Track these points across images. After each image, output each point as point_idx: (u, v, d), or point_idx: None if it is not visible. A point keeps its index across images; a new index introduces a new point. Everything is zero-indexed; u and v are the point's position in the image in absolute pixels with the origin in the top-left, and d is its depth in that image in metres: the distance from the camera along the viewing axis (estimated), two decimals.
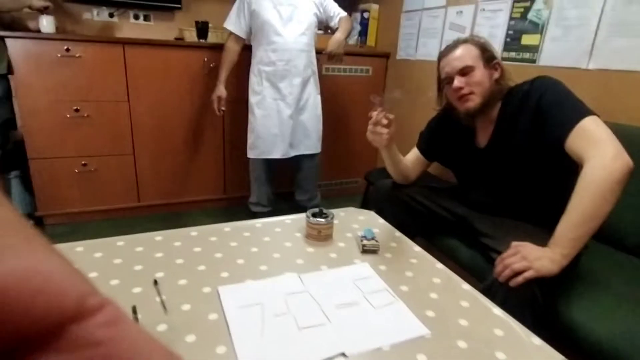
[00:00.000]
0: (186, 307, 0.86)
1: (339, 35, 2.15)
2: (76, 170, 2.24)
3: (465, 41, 1.30)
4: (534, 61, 1.84)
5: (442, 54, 1.33)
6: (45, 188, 2.21)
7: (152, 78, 2.27)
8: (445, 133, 1.46)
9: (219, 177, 2.61)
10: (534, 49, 1.83)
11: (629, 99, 1.51)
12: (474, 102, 1.26)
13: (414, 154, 1.54)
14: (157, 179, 2.45)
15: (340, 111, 2.82)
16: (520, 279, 1.00)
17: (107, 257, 1.04)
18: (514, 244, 1.07)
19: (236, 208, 2.71)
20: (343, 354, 0.74)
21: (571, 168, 1.10)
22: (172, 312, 0.84)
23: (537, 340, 0.82)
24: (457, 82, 1.26)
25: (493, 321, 0.87)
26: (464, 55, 1.27)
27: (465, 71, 1.26)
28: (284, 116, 2.14)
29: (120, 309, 0.24)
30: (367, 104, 2.72)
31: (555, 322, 1.08)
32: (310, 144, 2.28)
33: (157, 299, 0.89)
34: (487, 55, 1.27)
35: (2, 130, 1.94)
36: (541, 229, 1.15)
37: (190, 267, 1.02)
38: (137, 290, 0.92)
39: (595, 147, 1.02)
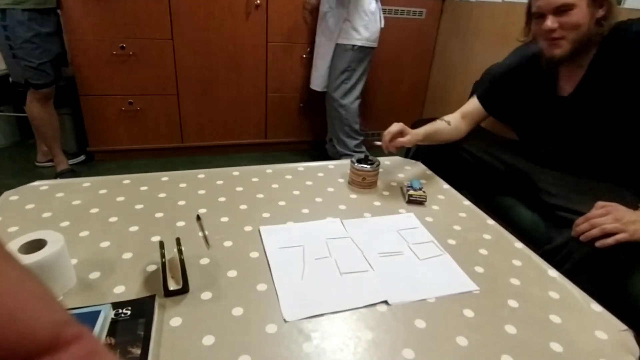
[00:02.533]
0: (228, 243, 0.86)
1: None
2: (123, 109, 2.28)
3: None
4: (619, 2, 1.58)
5: None
6: (94, 125, 2.28)
7: (196, 16, 2.21)
8: (515, 81, 1.28)
9: (261, 121, 2.58)
10: None
11: None
12: (561, 48, 1.07)
13: (471, 106, 1.37)
14: (200, 121, 2.46)
15: (386, 57, 2.65)
16: (611, 240, 0.89)
17: (152, 191, 1.05)
18: (601, 203, 0.95)
19: (276, 153, 2.71)
20: (385, 302, 0.72)
21: None
22: (215, 248, 0.84)
23: (597, 307, 0.75)
24: (550, 22, 1.05)
25: (548, 283, 0.81)
26: None
27: (562, 9, 1.04)
28: None
29: (98, 341, 0.23)
30: (418, 52, 2.54)
31: (623, 294, 0.99)
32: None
33: (200, 233, 0.89)
34: None
35: (54, 66, 1.98)
36: (627, 190, 1.04)
37: (231, 206, 1.01)
38: (180, 224, 0.92)
39: None
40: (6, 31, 1.81)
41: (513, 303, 0.74)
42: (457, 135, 1.35)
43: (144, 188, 1.07)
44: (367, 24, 2.14)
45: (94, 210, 0.96)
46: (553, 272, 0.84)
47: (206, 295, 0.71)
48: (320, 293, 0.73)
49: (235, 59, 2.36)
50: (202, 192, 1.07)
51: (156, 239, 0.86)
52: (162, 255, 0.69)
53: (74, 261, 0.77)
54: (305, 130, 2.72)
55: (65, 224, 0.90)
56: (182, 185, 1.10)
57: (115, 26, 2.11)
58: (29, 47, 1.86)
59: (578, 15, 1.03)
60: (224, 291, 0.72)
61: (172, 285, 0.69)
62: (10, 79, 1.99)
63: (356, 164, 1.14)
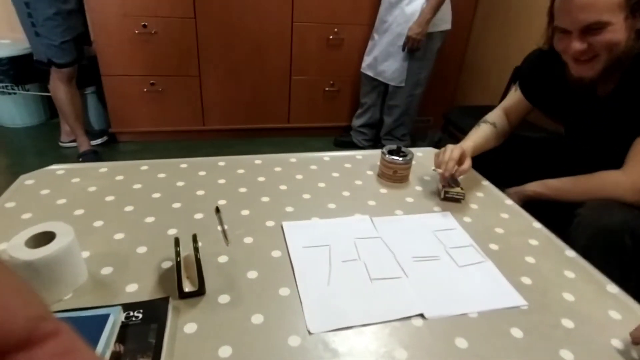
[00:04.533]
0: (248, 239, 0.80)
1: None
2: (145, 90, 2.24)
3: None
4: None
5: None
6: (117, 105, 2.26)
7: None
8: (556, 72, 1.08)
9: (284, 105, 2.50)
10: None
11: None
12: (593, 70, 0.89)
13: (513, 99, 1.22)
14: (222, 104, 2.40)
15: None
16: None
17: (170, 178, 1.00)
18: None
19: (299, 138, 2.63)
20: (422, 315, 0.64)
21: None
22: (234, 244, 0.78)
23: None
24: (578, 43, 0.86)
25: (608, 300, 0.71)
26: (599, 2, 0.82)
27: (593, 27, 0.84)
28: None
29: (76, 336, 0.22)
30: (452, 30, 2.37)
31: None
32: None
33: (219, 227, 0.83)
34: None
35: (76, 45, 1.95)
36: None
37: (253, 198, 0.94)
38: (198, 216, 0.87)
39: None
40: (28, 8, 1.78)
41: (568, 323, 0.65)
42: (504, 138, 1.20)
43: (162, 175, 1.02)
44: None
45: (109, 198, 0.91)
46: (612, 288, 0.74)
47: (224, 299, 0.65)
48: (349, 302, 0.66)
49: (259, 39, 2.27)
50: (222, 181, 1.01)
51: (173, 232, 0.80)
52: (177, 254, 0.63)
53: (86, 254, 0.73)
54: (330, 116, 2.62)
55: (79, 212, 0.85)
56: (202, 173, 1.04)
57: (137, 3, 2.05)
58: (51, 24, 1.82)
59: (613, 34, 0.84)
60: (243, 295, 0.66)
61: (188, 287, 0.63)
62: (34, 58, 1.97)
63: (387, 156, 1.05)
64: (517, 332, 0.63)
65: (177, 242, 0.65)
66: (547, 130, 1.46)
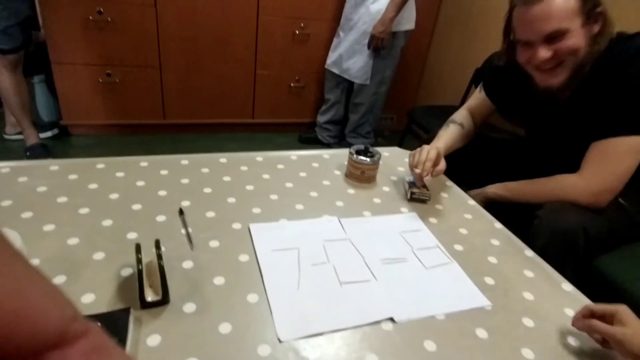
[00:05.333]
0: (214, 243, 0.77)
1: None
2: (100, 80, 2.11)
3: None
4: None
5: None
6: (69, 96, 2.11)
7: None
8: (518, 75, 1.10)
9: (248, 100, 2.45)
10: None
11: None
12: (559, 78, 0.93)
13: (478, 100, 1.25)
14: (184, 97, 2.31)
15: None
16: None
17: (129, 178, 0.94)
18: None
19: (264, 134, 2.59)
20: (391, 319, 0.64)
21: None
22: (199, 248, 0.75)
23: None
24: (543, 52, 0.90)
25: (563, 298, 0.75)
26: (556, 11, 0.86)
27: (554, 35, 0.89)
28: None
29: (105, 336, 0.23)
30: (415, 33, 2.40)
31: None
32: None
33: (183, 231, 0.80)
34: (589, 4, 0.87)
35: (23, 29, 1.80)
36: None
37: (218, 198, 0.91)
38: (160, 218, 0.82)
39: (597, 171, 0.94)
40: None
41: (528, 322, 0.68)
42: (470, 138, 1.23)
43: (120, 174, 0.96)
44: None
45: (61, 200, 0.84)
46: (567, 286, 0.78)
47: (189, 308, 0.62)
48: (319, 307, 0.65)
49: (223, 31, 2.20)
50: (185, 181, 0.97)
51: (133, 236, 0.76)
52: (139, 261, 0.59)
53: (36, 261, 0.67)
54: (295, 112, 2.60)
55: (27, 215, 0.79)
56: (164, 172, 0.99)
57: None
58: None
59: (574, 39, 0.89)
60: (209, 302, 0.64)
61: (150, 296, 0.60)
62: None
63: (355, 156, 1.05)
64: (482, 333, 0.65)
65: (138, 248, 0.62)
66: (507, 131, 1.52)
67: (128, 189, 0.90)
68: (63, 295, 0.23)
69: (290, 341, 0.59)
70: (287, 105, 2.54)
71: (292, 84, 2.47)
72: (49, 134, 2.17)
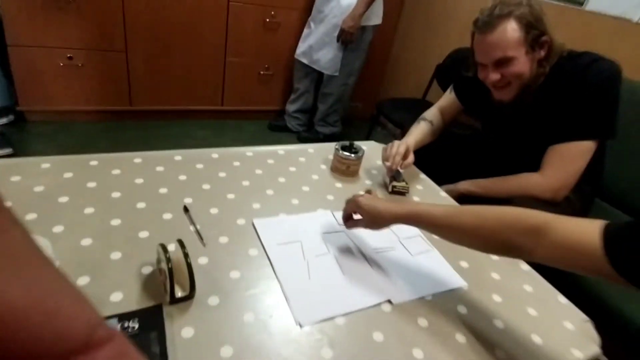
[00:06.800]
0: (223, 239, 0.83)
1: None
2: (61, 64, 2.00)
3: (508, 15, 1.02)
4: (581, 4, 1.69)
5: (477, 28, 1.07)
6: (27, 80, 1.99)
7: None
8: (480, 85, 1.23)
9: (218, 87, 2.43)
10: None
11: None
12: (508, 95, 1.12)
13: (448, 100, 1.38)
14: (151, 83, 2.25)
15: None
16: None
17: (126, 175, 0.97)
18: None
19: (233, 122, 2.59)
20: (389, 302, 0.75)
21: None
22: (210, 244, 0.81)
23: (562, 299, 0.86)
24: (493, 75, 1.08)
25: (522, 277, 0.90)
26: (503, 42, 1.03)
27: (502, 61, 1.06)
28: None
29: (128, 342, 0.24)
30: (381, 26, 2.48)
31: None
32: None
33: (191, 228, 0.85)
34: (532, 35, 1.03)
35: None
36: None
37: (218, 195, 0.96)
38: (167, 216, 0.87)
39: (556, 170, 1.10)
40: None
41: (497, 298, 0.82)
42: (438, 134, 1.37)
43: (116, 172, 0.98)
44: None
45: (63, 199, 0.86)
46: (525, 266, 0.93)
47: (213, 301, 0.69)
48: (329, 294, 0.74)
49: (193, 16, 2.16)
50: (182, 177, 1.00)
51: (144, 234, 0.80)
52: (168, 260, 0.64)
53: (56, 264, 0.70)
54: (264, 100, 2.62)
55: (31, 216, 0.80)
56: (159, 168, 1.02)
57: None
58: None
59: (518, 66, 1.05)
60: (230, 295, 0.70)
61: (180, 292, 0.66)
62: None
63: (341, 152, 1.14)
64: (462, 309, 0.77)
65: (164, 248, 0.67)
66: (472, 127, 1.67)
67: (128, 187, 0.93)
68: (89, 302, 0.24)
69: (309, 326, 0.67)
70: (257, 92, 2.55)
71: (261, 72, 2.48)
72: (4, 120, 2.04)
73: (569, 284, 1.04)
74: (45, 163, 0.96)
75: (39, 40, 1.92)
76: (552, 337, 0.75)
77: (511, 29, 1.02)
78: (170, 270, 0.65)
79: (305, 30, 2.30)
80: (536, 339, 0.74)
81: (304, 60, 2.32)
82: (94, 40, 2.01)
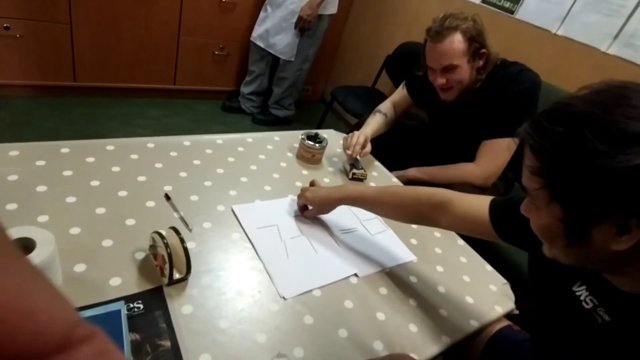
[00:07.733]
0: (207, 224, 0.91)
1: None
2: None
3: (455, 28, 1.19)
4: (512, 12, 1.90)
5: (430, 37, 1.24)
6: None
7: None
8: (429, 84, 1.38)
9: (170, 66, 2.38)
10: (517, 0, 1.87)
11: (580, 70, 1.68)
12: (451, 96, 1.31)
13: (401, 94, 1.53)
14: (98, 58, 2.14)
15: None
16: None
17: (101, 163, 0.99)
18: None
19: (185, 101, 2.55)
20: (355, 275, 0.89)
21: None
22: (196, 230, 0.88)
23: (488, 267, 1.06)
24: (439, 79, 1.26)
25: (459, 250, 1.09)
26: (449, 52, 1.21)
27: (448, 68, 1.24)
28: None
29: (108, 340, 0.23)
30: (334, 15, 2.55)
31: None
32: None
33: (175, 214, 0.91)
34: (474, 47, 1.22)
35: None
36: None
37: (196, 182, 1.03)
38: (150, 204, 0.92)
39: (487, 162, 1.32)
40: None
41: (440, 268, 1.00)
42: (391, 125, 1.53)
43: (90, 159, 0.99)
44: None
45: (41, 189, 0.87)
46: (461, 241, 1.13)
47: (206, 281, 0.77)
48: (305, 270, 0.86)
49: None
50: (159, 165, 1.05)
51: (131, 222, 0.85)
52: (167, 246, 0.72)
53: (58, 257, 0.73)
54: (218, 80, 2.61)
55: (12, 206, 0.81)
56: (134, 156, 1.05)
57: None
58: None
59: (461, 73, 1.25)
60: (220, 275, 0.80)
61: (177, 274, 0.74)
62: None
63: (307, 141, 1.24)
64: (413, 279, 0.94)
65: (161, 235, 0.73)
66: (418, 118, 1.85)
67: (106, 176, 0.96)
68: (67, 300, 0.23)
69: (290, 298, 0.79)
70: (210, 72, 2.53)
71: (215, 52, 2.46)
72: None
73: (493, 255, 1.26)
74: (14, 150, 0.95)
75: None
76: (481, 298, 0.94)
77: (457, 41, 1.20)
78: (170, 255, 0.72)
79: (262, 14, 2.31)
80: (469, 299, 0.93)
81: (260, 44, 2.34)
82: (35, 10, 1.87)
